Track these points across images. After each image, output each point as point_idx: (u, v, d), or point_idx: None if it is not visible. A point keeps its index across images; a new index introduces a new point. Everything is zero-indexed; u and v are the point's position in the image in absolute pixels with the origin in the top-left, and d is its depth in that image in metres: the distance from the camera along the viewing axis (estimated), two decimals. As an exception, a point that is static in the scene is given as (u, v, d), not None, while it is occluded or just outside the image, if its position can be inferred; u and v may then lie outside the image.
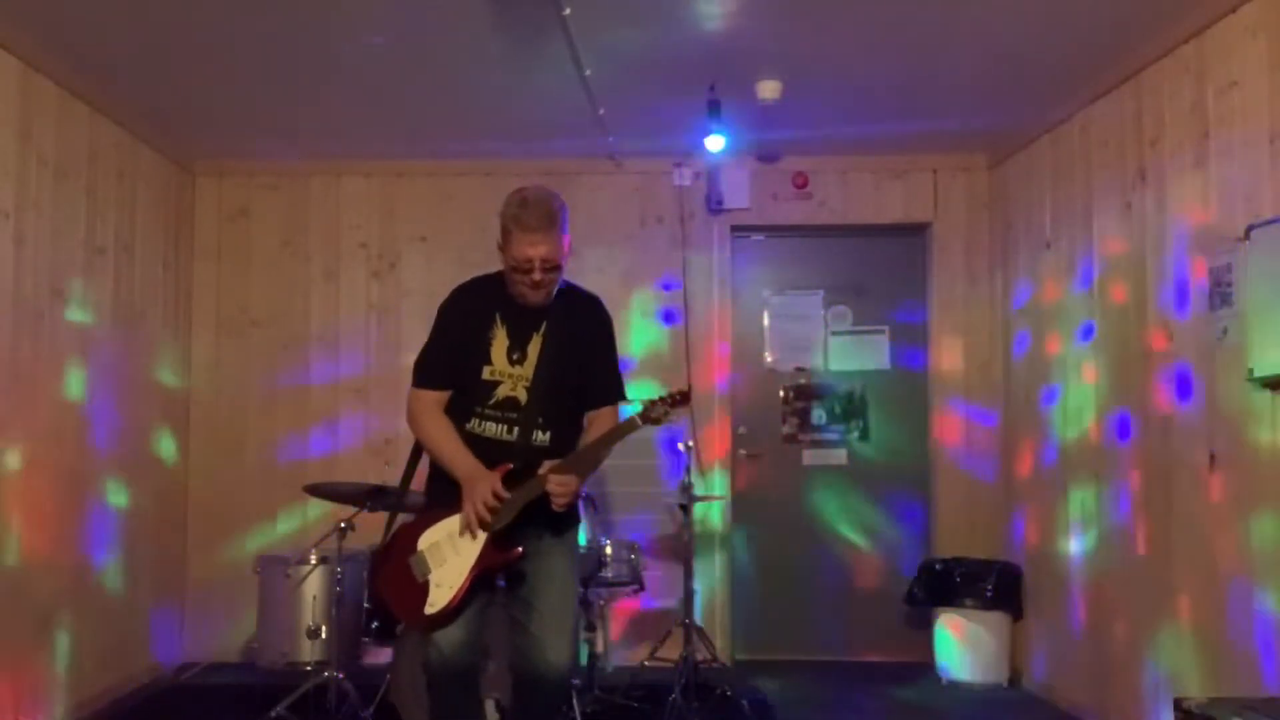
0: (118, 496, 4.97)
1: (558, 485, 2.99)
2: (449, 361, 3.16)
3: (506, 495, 3.00)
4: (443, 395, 3.17)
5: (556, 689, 3.20)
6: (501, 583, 3.19)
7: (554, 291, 3.11)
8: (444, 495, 3.12)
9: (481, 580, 3.07)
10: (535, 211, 3.01)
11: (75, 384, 4.60)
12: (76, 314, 4.60)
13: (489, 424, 3.11)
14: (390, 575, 3.18)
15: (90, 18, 3.92)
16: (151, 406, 5.35)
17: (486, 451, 3.08)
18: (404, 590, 3.11)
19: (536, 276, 3.02)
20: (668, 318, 5.84)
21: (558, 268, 3.05)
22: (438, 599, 3.04)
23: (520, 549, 3.06)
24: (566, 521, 3.19)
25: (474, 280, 3.26)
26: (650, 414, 2.97)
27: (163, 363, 5.48)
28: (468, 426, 3.12)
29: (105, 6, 3.82)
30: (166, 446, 5.52)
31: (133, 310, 5.14)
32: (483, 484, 3.00)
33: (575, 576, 3.33)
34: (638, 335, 5.75)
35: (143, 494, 5.21)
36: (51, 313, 4.40)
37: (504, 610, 3.23)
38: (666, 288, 5.84)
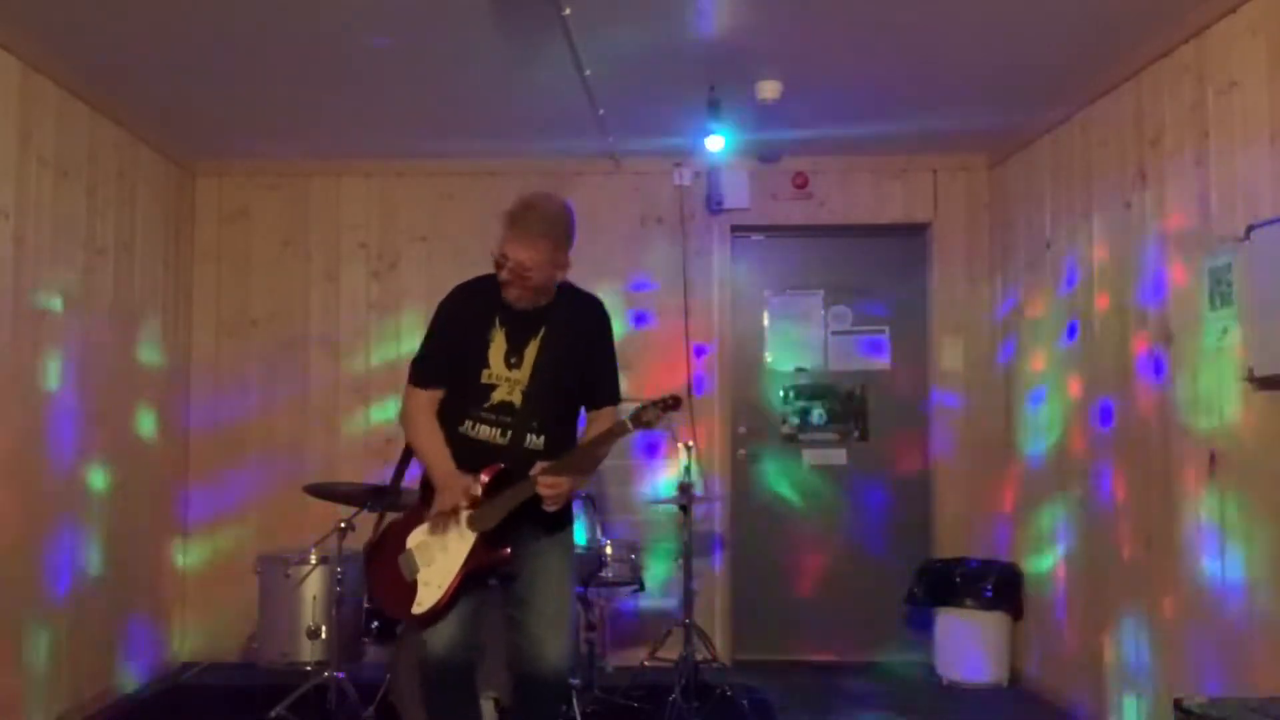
0: (116, 496, 4.96)
1: (546, 488, 2.98)
2: (445, 361, 3.17)
3: (478, 496, 3.01)
4: (436, 394, 3.17)
5: (555, 687, 3.20)
6: (494, 583, 3.19)
7: (524, 294, 3.07)
8: (434, 494, 3.12)
9: (471, 580, 3.06)
10: (529, 214, 3.02)
11: (73, 384, 4.60)
12: (76, 314, 4.60)
13: (483, 427, 3.11)
14: (380, 573, 3.20)
15: (90, 18, 3.91)
16: (150, 406, 5.34)
17: (479, 454, 3.07)
18: (393, 588, 3.12)
19: (504, 275, 3.03)
20: (668, 317, 5.83)
21: (527, 277, 3.03)
22: (425, 599, 3.05)
23: (509, 549, 3.06)
24: (560, 521, 3.18)
25: (475, 280, 3.24)
26: (642, 418, 2.97)
27: (162, 363, 5.47)
28: (461, 429, 3.12)
29: (105, 6, 3.82)
30: (166, 446, 5.52)
31: (133, 310, 5.14)
32: (454, 486, 3.02)
33: (571, 575, 3.34)
34: (637, 335, 5.75)
35: (141, 493, 5.22)
36: (52, 313, 4.40)
37: (500, 609, 3.23)
38: (667, 287, 5.83)
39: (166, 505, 5.51)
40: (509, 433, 3.09)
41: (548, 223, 3.04)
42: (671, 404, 3.00)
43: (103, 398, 4.82)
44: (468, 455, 3.08)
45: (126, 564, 5.05)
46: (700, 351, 5.81)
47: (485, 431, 3.11)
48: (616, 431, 3.03)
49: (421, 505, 3.20)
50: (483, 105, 4.92)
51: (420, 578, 3.07)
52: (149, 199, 5.30)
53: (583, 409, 3.27)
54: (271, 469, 5.74)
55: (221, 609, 5.58)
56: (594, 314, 3.26)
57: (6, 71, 4.05)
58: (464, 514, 3.05)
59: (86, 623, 4.66)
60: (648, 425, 2.98)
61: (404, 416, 3.23)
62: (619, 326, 3.37)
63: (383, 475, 4.64)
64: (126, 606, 5.07)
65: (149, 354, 5.31)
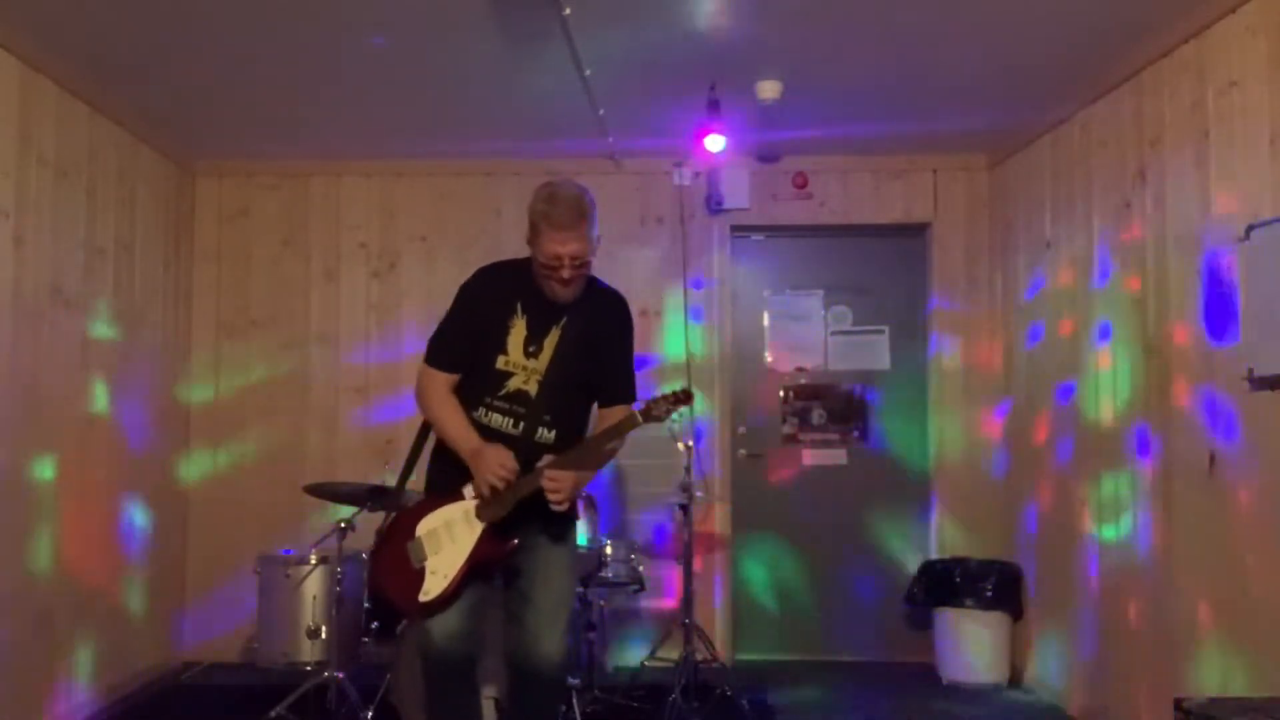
0: (117, 495, 4.96)
1: (551, 482, 2.97)
2: (464, 345, 3.13)
3: (516, 466, 2.98)
4: (453, 377, 3.15)
5: (551, 682, 3.20)
6: (499, 581, 3.19)
7: (580, 287, 3.07)
8: (445, 483, 3.13)
9: (477, 570, 3.06)
10: (564, 207, 2.98)
11: (74, 384, 4.60)
12: (76, 314, 4.60)
13: (495, 415, 3.10)
14: (387, 560, 3.19)
15: (90, 18, 3.91)
16: (151, 406, 5.34)
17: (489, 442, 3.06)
18: (399, 575, 3.11)
19: (565, 274, 2.99)
20: (667, 318, 5.83)
21: (586, 264, 3.03)
22: (432, 587, 3.05)
23: (516, 541, 3.06)
24: (564, 517, 3.18)
25: (500, 264, 3.23)
26: (652, 412, 2.95)
27: (163, 363, 5.48)
28: (474, 415, 3.11)
29: (105, 6, 3.82)
30: (166, 446, 5.52)
31: (133, 310, 5.14)
32: (491, 453, 2.99)
33: (572, 572, 3.33)
34: (637, 335, 5.72)
35: (142, 493, 5.22)
36: (51, 313, 4.40)
37: (501, 605, 3.23)
38: (666, 287, 5.83)
39: (165, 504, 5.51)
40: (521, 423, 3.08)
41: (582, 208, 3.01)
42: (683, 398, 2.98)
43: (102, 397, 4.82)
44: None
45: (125, 564, 5.06)
46: (701, 351, 5.79)
47: (498, 420, 3.09)
48: (626, 425, 3.00)
49: (432, 494, 3.19)
50: (483, 105, 4.92)
51: (428, 565, 3.07)
52: (149, 199, 5.30)
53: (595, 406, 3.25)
54: (271, 469, 5.75)
55: (221, 609, 5.58)
56: (617, 309, 3.25)
57: (6, 71, 4.05)
58: (473, 504, 3.06)
59: (86, 622, 4.66)
60: (658, 419, 2.97)
61: (421, 397, 3.18)
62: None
63: (382, 476, 4.65)
64: (126, 606, 5.07)
65: (148, 354, 5.31)
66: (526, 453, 3.04)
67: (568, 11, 3.74)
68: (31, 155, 4.22)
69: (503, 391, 3.09)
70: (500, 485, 2.98)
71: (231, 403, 5.82)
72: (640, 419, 2.97)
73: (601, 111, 4.87)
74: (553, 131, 5.31)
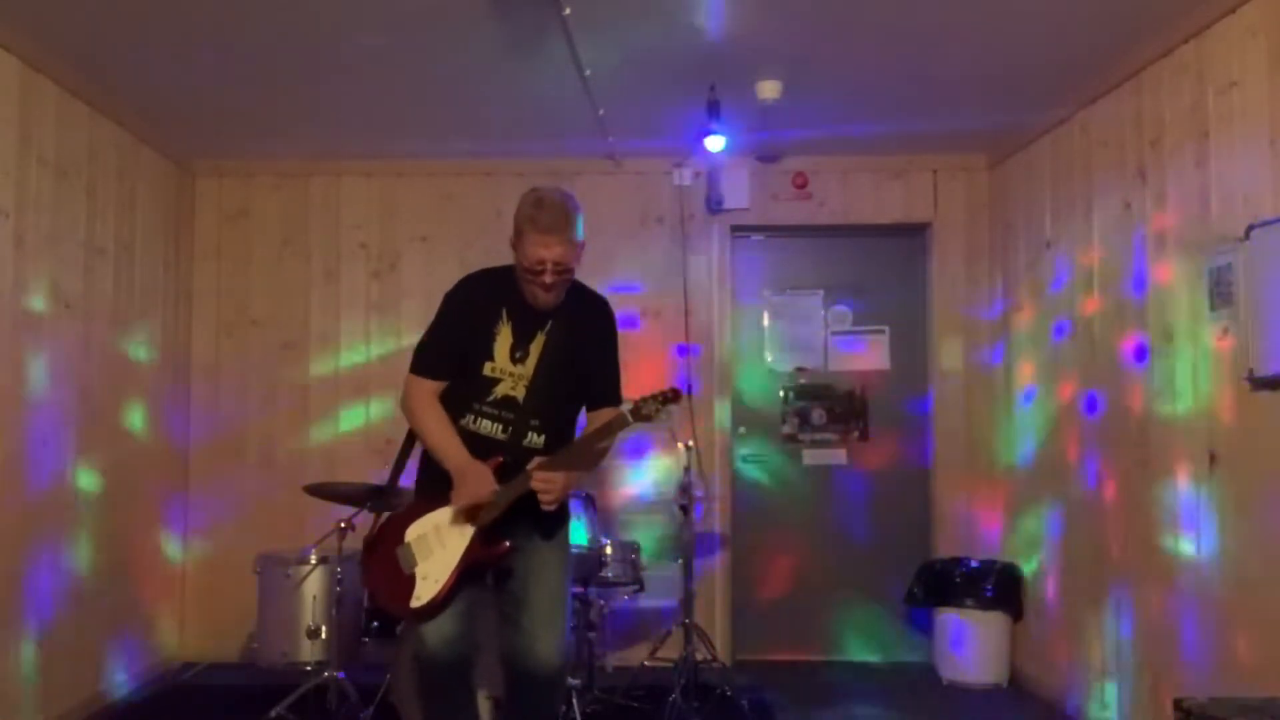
0: (116, 495, 4.96)
1: (541, 483, 2.99)
2: (451, 353, 3.15)
3: (496, 488, 3.01)
4: (440, 385, 3.17)
5: (549, 683, 3.20)
6: (489, 582, 3.19)
7: (561, 293, 3.09)
8: (433, 487, 3.14)
9: (468, 575, 3.07)
10: (550, 213, 3.00)
11: (74, 385, 4.60)
12: (76, 315, 4.60)
13: (484, 421, 3.11)
14: (377, 566, 3.20)
15: (90, 18, 3.91)
16: (151, 406, 5.34)
17: (478, 449, 3.08)
18: (390, 582, 3.13)
19: (548, 279, 3.01)
20: (667, 318, 5.82)
21: (570, 270, 3.05)
22: (423, 592, 3.06)
23: (507, 544, 3.07)
24: (557, 519, 3.19)
25: (483, 272, 3.25)
26: (641, 411, 2.96)
27: (163, 363, 5.47)
28: (462, 422, 3.12)
29: (105, 7, 3.82)
30: (166, 446, 5.52)
31: (133, 310, 5.14)
32: (475, 477, 3.01)
33: (566, 572, 3.33)
34: (636, 335, 5.74)
35: (142, 493, 5.22)
36: (51, 313, 4.39)
37: (495, 605, 3.23)
38: (666, 287, 5.83)
39: (167, 506, 5.51)
40: (509, 429, 3.10)
41: (567, 214, 3.03)
42: (671, 396, 2.99)
43: (102, 398, 4.82)
44: (468, 450, 3.08)
45: (125, 565, 5.06)
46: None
47: (486, 426, 3.11)
48: (616, 424, 3.01)
49: (420, 499, 3.21)
50: (483, 105, 4.92)
51: (418, 571, 3.08)
52: (149, 199, 5.30)
53: (583, 410, 3.27)
54: (271, 469, 5.75)
55: (221, 609, 5.58)
56: (601, 314, 3.26)
57: (6, 71, 4.05)
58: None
59: (86, 623, 4.66)
60: (647, 418, 2.97)
61: (408, 406, 3.20)
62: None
63: (383, 475, 4.64)
64: (126, 607, 5.07)
65: (148, 354, 5.31)
66: (515, 457, 3.06)
67: (568, 11, 3.74)
68: (31, 155, 4.22)
69: (491, 398, 3.11)
70: (473, 511, 3.01)
71: (231, 403, 5.82)
72: (630, 418, 2.97)
73: (601, 112, 4.87)
74: (553, 131, 5.31)
